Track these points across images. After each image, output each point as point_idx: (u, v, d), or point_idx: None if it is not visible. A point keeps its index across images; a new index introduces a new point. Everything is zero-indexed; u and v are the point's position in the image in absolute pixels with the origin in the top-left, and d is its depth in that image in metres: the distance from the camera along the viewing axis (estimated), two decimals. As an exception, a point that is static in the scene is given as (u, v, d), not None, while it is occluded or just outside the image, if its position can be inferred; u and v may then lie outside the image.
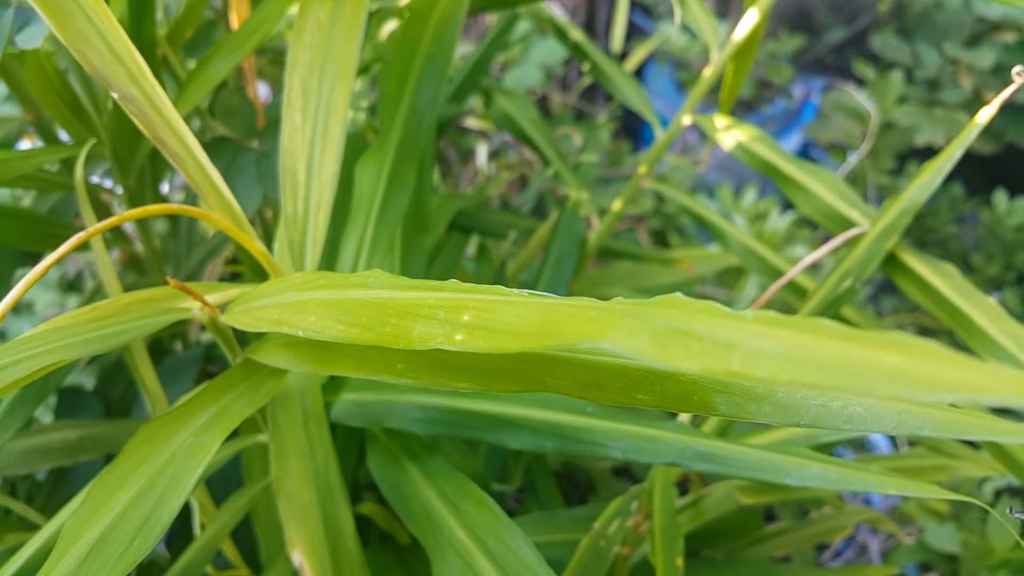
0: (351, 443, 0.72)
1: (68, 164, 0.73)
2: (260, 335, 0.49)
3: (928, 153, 1.84)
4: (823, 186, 0.68)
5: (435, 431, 0.53)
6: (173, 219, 0.92)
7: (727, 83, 0.79)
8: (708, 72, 0.75)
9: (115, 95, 0.45)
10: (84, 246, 0.76)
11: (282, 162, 0.53)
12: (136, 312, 0.45)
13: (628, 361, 0.31)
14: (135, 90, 0.45)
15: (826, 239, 1.72)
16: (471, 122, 1.65)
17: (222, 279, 0.92)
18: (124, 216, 0.41)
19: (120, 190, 0.70)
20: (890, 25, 2.05)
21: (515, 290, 0.29)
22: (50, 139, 0.75)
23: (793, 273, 0.67)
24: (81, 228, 0.75)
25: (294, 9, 0.65)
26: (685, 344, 0.20)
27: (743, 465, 0.47)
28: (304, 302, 0.37)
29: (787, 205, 1.78)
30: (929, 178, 0.61)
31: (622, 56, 1.56)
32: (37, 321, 1.31)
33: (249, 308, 0.42)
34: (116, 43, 0.44)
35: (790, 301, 0.73)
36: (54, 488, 0.84)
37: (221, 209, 0.47)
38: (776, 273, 0.74)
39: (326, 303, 0.35)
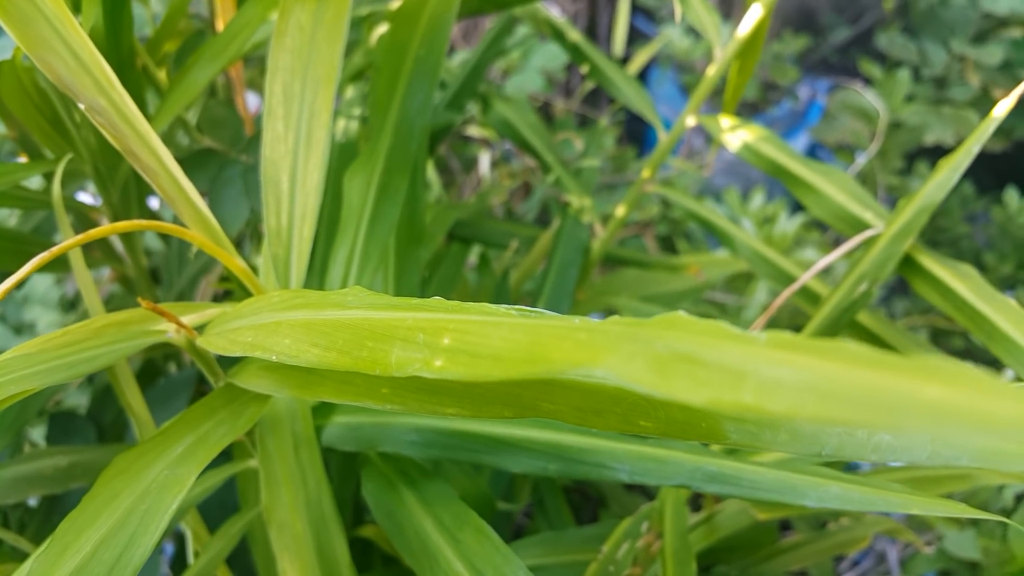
0: (351, 464, 0.70)
1: (52, 178, 0.70)
2: (243, 358, 0.47)
3: (937, 152, 1.81)
4: (835, 187, 0.65)
5: (431, 455, 0.50)
6: (164, 236, 0.89)
7: (731, 83, 0.77)
8: (712, 71, 0.72)
9: (82, 107, 0.42)
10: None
11: (264, 172, 0.50)
12: (109, 336, 0.42)
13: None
14: (103, 101, 0.42)
15: (837, 242, 1.69)
16: (473, 131, 1.63)
17: (215, 297, 0.89)
18: (95, 232, 0.39)
19: (104, 207, 0.68)
20: (895, 24, 2.02)
21: (503, 307, 0.27)
22: (35, 157, 0.73)
23: (806, 279, 0.64)
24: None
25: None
26: (689, 372, 0.17)
27: (757, 486, 0.44)
28: (279, 323, 0.34)
29: (796, 208, 1.75)
30: (946, 175, 0.58)
31: (624, 60, 1.53)
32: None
33: (224, 330, 0.39)
34: (82, 52, 0.42)
35: (803, 307, 0.70)
36: (46, 516, 0.81)
37: (198, 225, 0.45)
38: (787, 278, 0.71)
39: (301, 324, 0.33)
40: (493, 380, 0.22)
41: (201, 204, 0.44)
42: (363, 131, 0.79)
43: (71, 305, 1.34)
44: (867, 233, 0.62)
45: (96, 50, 0.42)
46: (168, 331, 0.43)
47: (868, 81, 1.90)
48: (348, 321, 0.30)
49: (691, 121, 0.74)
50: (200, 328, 0.44)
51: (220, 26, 0.79)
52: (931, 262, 0.61)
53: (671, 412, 0.28)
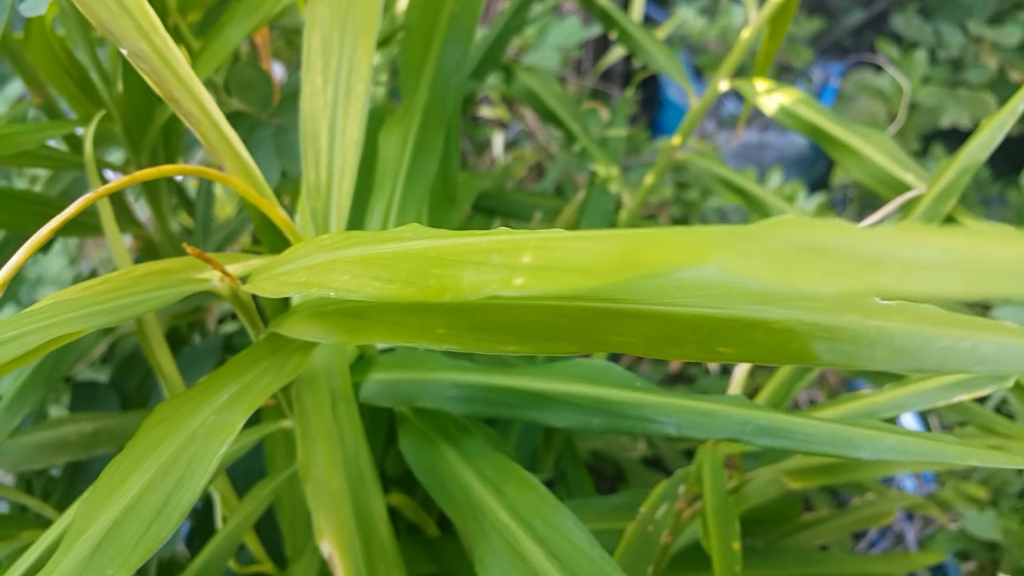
0: (377, 432, 0.69)
1: (78, 145, 0.70)
2: (285, 309, 0.46)
3: (953, 134, 1.80)
4: (874, 148, 0.64)
5: (472, 410, 0.49)
6: (190, 208, 0.89)
7: (763, 49, 0.76)
8: (746, 34, 0.71)
9: (125, 52, 0.41)
10: (99, 236, 0.73)
11: (303, 127, 0.49)
12: (151, 283, 0.42)
13: (709, 310, 0.27)
14: (145, 45, 0.42)
15: (858, 219, 1.68)
16: (486, 112, 1.62)
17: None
18: (132, 177, 0.38)
19: (132, 169, 0.67)
20: (911, 5, 2.01)
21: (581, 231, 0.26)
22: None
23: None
24: (91, 212, 0.72)
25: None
26: (816, 263, 0.16)
27: (811, 439, 0.43)
28: (334, 261, 0.33)
29: (813, 188, 1.73)
30: (989, 135, 0.57)
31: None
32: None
33: (273, 275, 0.38)
34: (124, -5, 0.41)
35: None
36: (70, 483, 0.81)
37: (241, 174, 0.44)
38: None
39: (359, 260, 0.32)
40: (583, 291, 0.22)
41: (244, 152, 0.44)
42: (388, 101, 0.78)
43: (86, 282, 1.33)
44: (910, 194, 0.61)
45: (139, -7, 0.41)
46: (212, 280, 0.42)
47: (879, 67, 1.88)
48: (412, 251, 0.30)
49: (724, 85, 0.73)
50: (243, 279, 0.43)
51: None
52: (974, 224, 0.60)
53: (755, 335, 0.27)
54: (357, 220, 0.58)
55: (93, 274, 1.32)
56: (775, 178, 1.58)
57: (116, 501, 0.35)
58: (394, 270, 0.30)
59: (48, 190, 0.78)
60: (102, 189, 0.37)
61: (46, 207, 0.70)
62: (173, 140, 0.68)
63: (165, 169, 0.40)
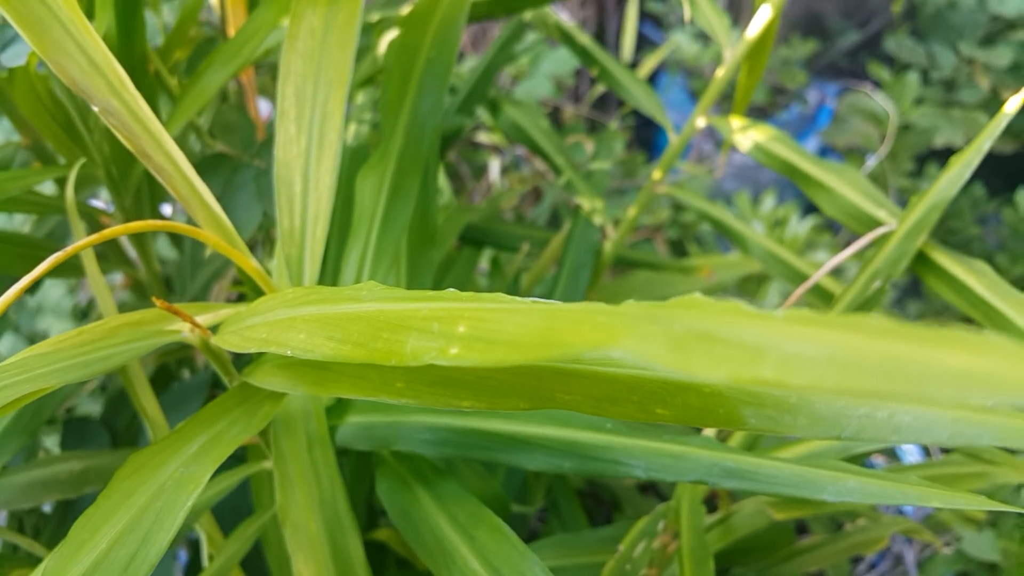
0: (364, 467, 0.70)
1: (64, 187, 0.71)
2: (257, 357, 0.47)
3: (947, 154, 1.80)
4: (847, 185, 0.65)
5: (445, 453, 0.50)
6: (177, 241, 0.90)
7: (741, 85, 0.77)
8: (721, 73, 0.72)
9: (96, 109, 0.42)
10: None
11: (276, 174, 0.50)
12: (124, 335, 0.43)
13: (645, 372, 0.28)
14: (116, 102, 0.43)
15: (848, 243, 1.68)
16: (483, 137, 1.63)
17: (228, 300, 0.90)
18: (109, 232, 0.39)
19: (116, 212, 0.68)
20: (904, 27, 2.02)
21: (517, 298, 0.27)
22: (48, 163, 0.74)
23: (819, 276, 0.64)
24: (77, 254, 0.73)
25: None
26: (708, 350, 0.17)
27: (775, 481, 0.44)
28: (293, 319, 0.34)
29: (807, 210, 1.74)
30: (958, 172, 0.58)
31: (633, 66, 1.53)
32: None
33: (239, 328, 0.39)
34: (95, 55, 0.42)
35: (816, 306, 0.70)
36: (60, 521, 0.81)
37: (212, 226, 0.45)
38: (800, 278, 0.71)
39: (316, 319, 0.33)
40: (509, 366, 0.22)
41: (215, 205, 0.44)
42: (373, 136, 0.79)
43: (84, 314, 1.34)
44: (880, 230, 0.62)
45: (109, 52, 0.42)
46: (183, 331, 0.43)
47: (877, 84, 1.90)
48: (363, 314, 0.30)
49: (701, 122, 0.74)
50: (215, 328, 0.44)
51: (231, 33, 0.79)
52: (944, 258, 0.61)
53: (688, 398, 0.27)
54: (335, 263, 0.59)
55: (90, 304, 1.33)
56: (768, 201, 1.59)
57: (85, 556, 0.36)
58: (347, 331, 0.30)
59: (35, 231, 0.80)
60: (85, 240, 0.38)
61: (34, 249, 0.71)
62: (157, 181, 0.69)
63: (147, 224, 0.41)
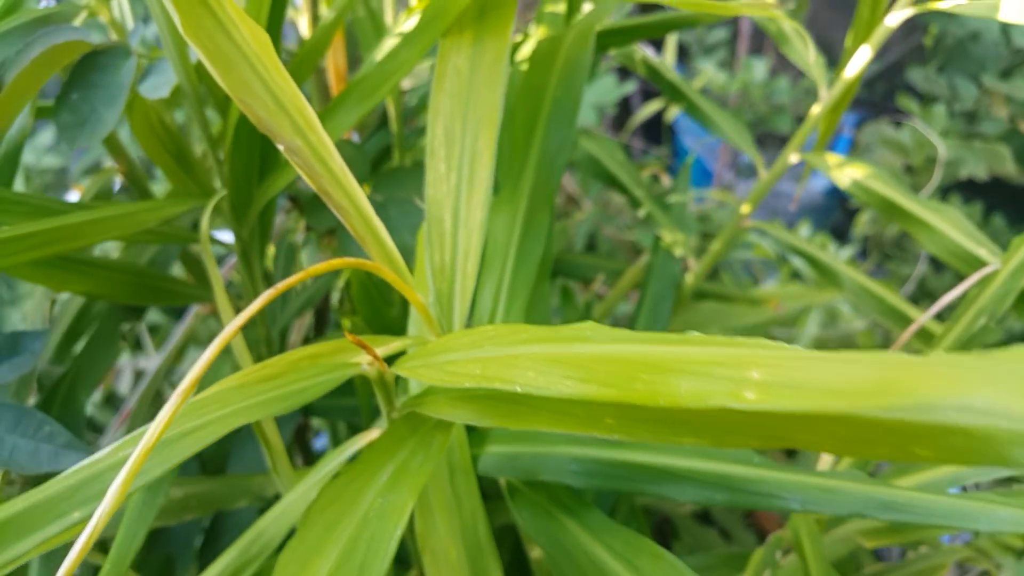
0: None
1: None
2: (423, 390, 0.48)
3: (969, 186, 1.83)
4: (948, 224, 0.66)
5: (593, 484, 0.51)
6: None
7: (825, 119, 0.79)
8: (816, 110, 0.74)
9: (280, 147, 0.44)
10: (177, 305, 0.76)
11: (428, 211, 0.52)
12: (307, 369, 0.44)
13: (905, 416, 0.30)
14: (300, 142, 0.44)
15: (877, 271, 1.71)
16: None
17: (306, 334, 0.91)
18: (312, 270, 0.40)
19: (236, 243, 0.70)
20: (934, 60, 2.05)
21: (790, 345, 0.28)
22: (142, 191, 0.75)
23: (929, 315, 0.66)
24: (182, 281, 0.74)
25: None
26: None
27: (931, 513, 0.46)
28: (515, 357, 0.36)
29: (832, 236, 1.76)
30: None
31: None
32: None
33: (435, 363, 0.40)
34: (282, 94, 0.44)
35: (909, 343, 0.71)
36: (149, 548, 0.82)
37: (385, 261, 0.46)
38: (896, 313, 0.73)
39: (544, 358, 0.34)
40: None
41: (389, 242, 0.46)
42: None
43: (136, 344, 1.34)
44: (986, 270, 0.64)
45: (298, 92, 0.44)
46: (363, 363, 0.44)
47: (897, 117, 1.92)
48: (608, 355, 0.32)
49: (794, 158, 0.76)
50: (388, 361, 0.45)
51: (329, 65, 0.81)
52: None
53: (954, 440, 0.29)
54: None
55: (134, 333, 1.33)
56: (803, 230, 1.61)
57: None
58: (590, 371, 0.32)
59: (126, 257, 0.81)
60: (290, 280, 0.39)
61: (141, 277, 0.72)
62: (268, 212, 0.71)
63: (336, 263, 0.43)
